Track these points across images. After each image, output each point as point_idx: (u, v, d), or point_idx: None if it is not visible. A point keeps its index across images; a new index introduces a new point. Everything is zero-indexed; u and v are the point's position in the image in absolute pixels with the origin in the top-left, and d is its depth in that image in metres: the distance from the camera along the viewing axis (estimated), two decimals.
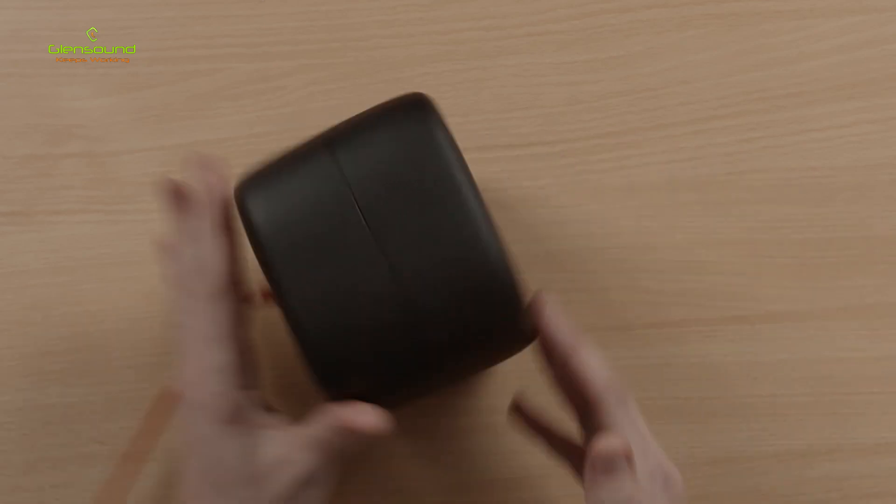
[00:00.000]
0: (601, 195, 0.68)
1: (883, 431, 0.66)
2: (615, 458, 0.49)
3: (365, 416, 0.50)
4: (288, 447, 0.51)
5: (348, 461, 0.65)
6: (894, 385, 0.66)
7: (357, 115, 0.53)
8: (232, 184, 0.54)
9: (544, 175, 0.68)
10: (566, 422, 0.60)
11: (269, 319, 0.65)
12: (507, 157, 0.68)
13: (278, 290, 0.50)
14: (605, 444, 0.49)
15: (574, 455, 0.57)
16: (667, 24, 0.69)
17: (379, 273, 0.48)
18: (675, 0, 0.69)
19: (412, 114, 0.51)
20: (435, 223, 0.49)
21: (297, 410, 0.60)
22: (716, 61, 0.69)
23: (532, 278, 0.67)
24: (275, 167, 0.51)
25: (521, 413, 0.60)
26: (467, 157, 0.68)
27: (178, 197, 0.53)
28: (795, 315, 0.67)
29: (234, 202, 0.52)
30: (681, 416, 0.66)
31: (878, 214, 0.67)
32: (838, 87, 0.68)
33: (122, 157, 0.68)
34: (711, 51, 0.69)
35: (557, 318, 0.54)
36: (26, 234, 0.67)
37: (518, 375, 0.66)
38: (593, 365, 0.53)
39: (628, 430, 0.53)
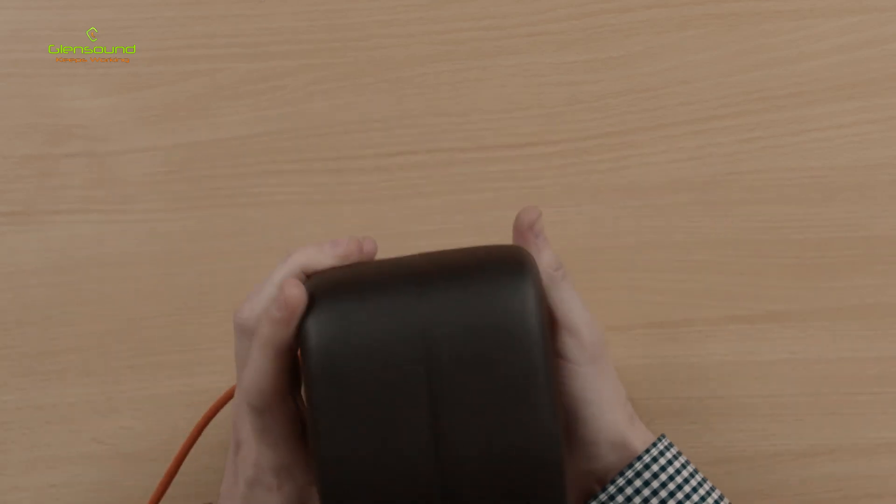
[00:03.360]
0: (601, 195, 0.68)
1: (883, 431, 0.66)
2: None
3: None
4: None
5: None
6: (894, 385, 0.66)
7: (453, 255, 0.46)
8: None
9: (544, 175, 0.68)
10: None
11: None
12: (507, 157, 0.68)
13: (314, 431, 0.44)
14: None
15: None
16: (667, 24, 0.69)
17: (422, 447, 0.43)
18: (675, 0, 0.69)
19: (511, 279, 0.45)
20: (499, 408, 0.43)
21: None
22: (716, 61, 0.69)
23: None
24: (352, 288, 0.45)
25: None
26: (467, 156, 0.68)
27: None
28: (795, 315, 0.67)
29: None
30: (681, 416, 0.66)
31: (878, 214, 0.67)
32: (838, 87, 0.68)
33: (122, 157, 0.68)
34: (711, 51, 0.69)
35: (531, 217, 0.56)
36: (26, 234, 0.67)
37: None
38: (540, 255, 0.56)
39: (574, 302, 0.55)
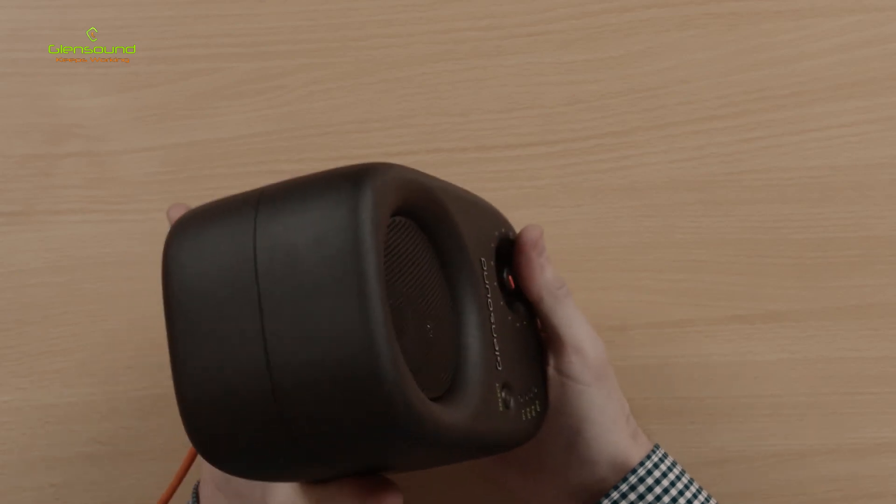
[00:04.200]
0: (601, 195, 0.68)
1: (883, 431, 0.66)
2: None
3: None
4: (295, 497, 0.50)
5: None
6: (894, 385, 0.66)
7: (300, 177, 0.47)
8: None
9: (544, 175, 0.68)
10: None
11: None
12: (507, 157, 0.68)
13: (171, 349, 0.46)
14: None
15: None
16: (667, 24, 0.69)
17: (254, 354, 0.44)
18: (675, 0, 0.69)
19: (344, 189, 0.44)
20: (318, 318, 0.43)
21: None
22: (716, 61, 0.69)
23: None
24: (207, 215, 0.47)
25: None
26: (467, 156, 0.68)
27: None
28: (795, 315, 0.67)
29: None
30: (681, 416, 0.66)
31: (877, 214, 0.67)
32: (838, 86, 0.68)
33: (121, 156, 0.68)
34: (711, 50, 0.69)
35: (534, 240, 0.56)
36: (26, 234, 0.67)
37: None
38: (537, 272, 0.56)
39: (579, 320, 0.56)
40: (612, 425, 0.55)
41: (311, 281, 0.43)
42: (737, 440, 0.66)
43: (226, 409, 0.44)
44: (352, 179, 0.45)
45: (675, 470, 0.55)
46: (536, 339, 0.56)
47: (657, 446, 0.56)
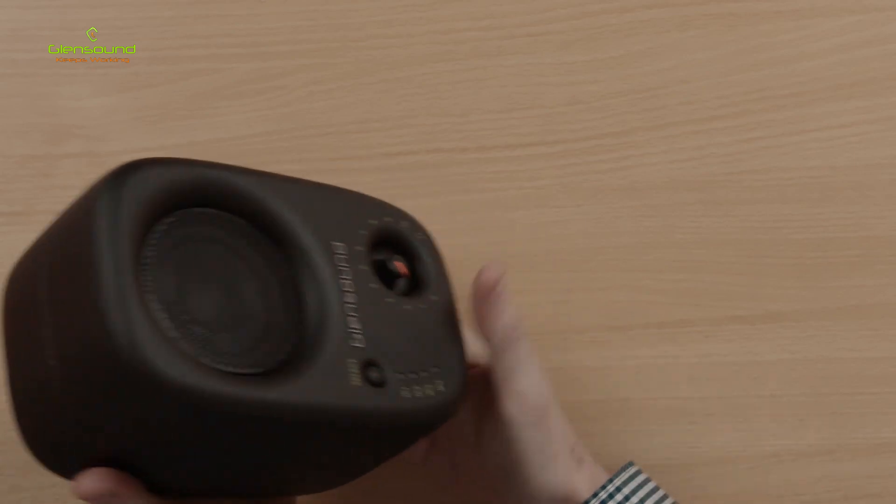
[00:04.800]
0: (601, 195, 0.68)
1: (883, 431, 0.66)
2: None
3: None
4: None
5: None
6: (894, 385, 0.66)
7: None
8: None
9: (544, 175, 0.68)
10: None
11: None
12: (507, 157, 0.68)
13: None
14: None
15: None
16: (667, 24, 0.69)
17: (46, 362, 0.47)
18: (675, 0, 0.69)
19: (94, 192, 0.48)
20: (77, 307, 0.46)
21: None
22: (716, 61, 0.69)
23: (532, 278, 0.67)
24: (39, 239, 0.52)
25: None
26: (467, 156, 0.68)
27: None
28: (795, 315, 0.67)
29: None
30: (680, 416, 0.66)
31: (877, 214, 0.67)
32: (838, 86, 0.68)
33: (122, 156, 0.68)
34: (711, 51, 0.69)
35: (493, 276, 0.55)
36: (26, 234, 0.67)
37: None
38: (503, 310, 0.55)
39: (525, 366, 0.54)
40: (548, 463, 0.54)
41: (68, 280, 0.46)
42: (737, 440, 0.66)
43: (34, 413, 0.48)
44: (103, 181, 0.48)
45: (644, 489, 0.55)
46: (447, 322, 0.56)
47: (629, 464, 0.56)
